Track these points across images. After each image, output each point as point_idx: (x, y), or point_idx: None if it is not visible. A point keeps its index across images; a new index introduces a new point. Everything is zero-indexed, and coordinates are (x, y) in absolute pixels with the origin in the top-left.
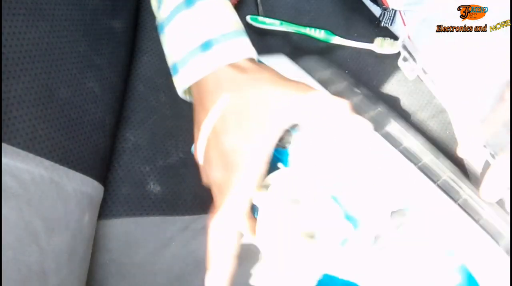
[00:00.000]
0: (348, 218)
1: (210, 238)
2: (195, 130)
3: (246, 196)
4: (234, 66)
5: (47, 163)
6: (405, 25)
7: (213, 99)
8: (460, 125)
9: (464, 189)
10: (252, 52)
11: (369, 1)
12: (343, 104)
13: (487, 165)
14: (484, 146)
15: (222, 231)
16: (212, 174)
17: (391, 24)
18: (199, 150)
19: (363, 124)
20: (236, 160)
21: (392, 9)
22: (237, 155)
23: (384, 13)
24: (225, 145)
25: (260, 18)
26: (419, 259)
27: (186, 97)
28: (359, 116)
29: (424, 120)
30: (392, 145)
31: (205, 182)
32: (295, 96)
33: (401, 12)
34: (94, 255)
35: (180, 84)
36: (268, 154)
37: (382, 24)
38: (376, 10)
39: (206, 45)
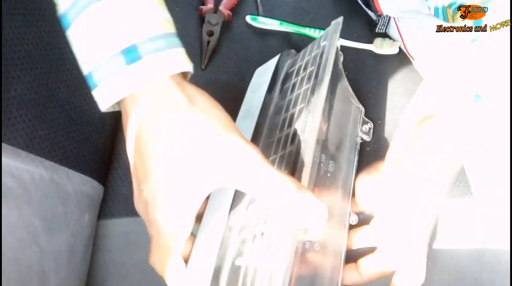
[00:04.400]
0: None
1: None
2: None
3: (175, 254)
4: (164, 84)
5: (47, 163)
6: (399, 32)
7: (127, 129)
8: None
9: None
10: (188, 65)
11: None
12: (294, 185)
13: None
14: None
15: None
16: (139, 211)
17: (385, 31)
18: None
19: (319, 209)
20: (156, 221)
21: (387, 16)
22: (157, 213)
23: (379, 19)
24: (145, 195)
25: (260, 18)
26: None
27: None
28: (314, 199)
29: None
30: None
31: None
32: (240, 158)
33: (396, 19)
34: (94, 255)
35: (101, 102)
36: (194, 215)
37: (377, 30)
38: (373, 14)
39: (130, 52)
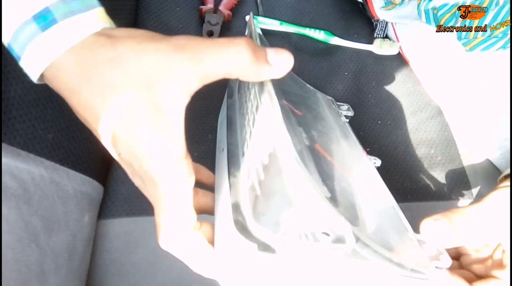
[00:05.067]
0: None
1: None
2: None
3: (182, 213)
4: (75, 48)
5: (47, 163)
6: (397, 37)
7: (73, 102)
8: (457, 128)
9: None
10: (105, 20)
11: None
12: (251, 58)
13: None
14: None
15: (176, 249)
16: (134, 182)
17: (383, 36)
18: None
19: (282, 62)
20: (147, 178)
21: (384, 21)
22: (144, 171)
23: (376, 24)
24: (125, 161)
25: (260, 18)
26: None
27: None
28: (274, 56)
29: (423, 121)
30: None
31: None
32: (184, 64)
33: (393, 24)
34: (94, 255)
35: (30, 74)
36: (182, 146)
37: (375, 35)
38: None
39: (44, 19)
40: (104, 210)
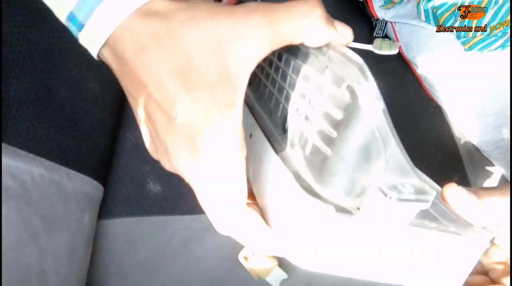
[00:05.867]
0: None
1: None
2: (133, 107)
3: (241, 183)
4: (146, 11)
5: (47, 163)
6: (396, 37)
7: (136, 63)
8: (457, 128)
9: None
10: None
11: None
12: (318, 11)
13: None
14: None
15: (230, 230)
16: (177, 166)
17: (382, 35)
18: (144, 136)
19: (344, 33)
20: (203, 145)
21: (383, 20)
22: (202, 135)
23: (376, 24)
24: (179, 126)
25: None
26: None
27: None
28: (339, 27)
29: (423, 121)
30: None
31: (170, 170)
32: (257, 26)
33: (393, 23)
34: (94, 255)
35: (93, 42)
36: (241, 116)
37: (374, 35)
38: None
39: None
40: (104, 210)
